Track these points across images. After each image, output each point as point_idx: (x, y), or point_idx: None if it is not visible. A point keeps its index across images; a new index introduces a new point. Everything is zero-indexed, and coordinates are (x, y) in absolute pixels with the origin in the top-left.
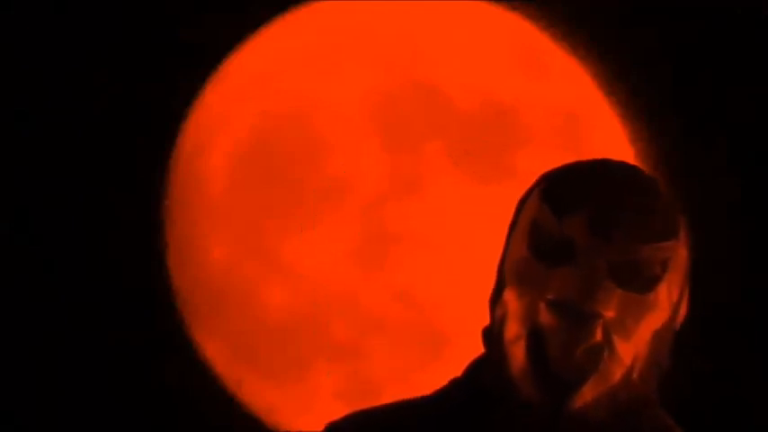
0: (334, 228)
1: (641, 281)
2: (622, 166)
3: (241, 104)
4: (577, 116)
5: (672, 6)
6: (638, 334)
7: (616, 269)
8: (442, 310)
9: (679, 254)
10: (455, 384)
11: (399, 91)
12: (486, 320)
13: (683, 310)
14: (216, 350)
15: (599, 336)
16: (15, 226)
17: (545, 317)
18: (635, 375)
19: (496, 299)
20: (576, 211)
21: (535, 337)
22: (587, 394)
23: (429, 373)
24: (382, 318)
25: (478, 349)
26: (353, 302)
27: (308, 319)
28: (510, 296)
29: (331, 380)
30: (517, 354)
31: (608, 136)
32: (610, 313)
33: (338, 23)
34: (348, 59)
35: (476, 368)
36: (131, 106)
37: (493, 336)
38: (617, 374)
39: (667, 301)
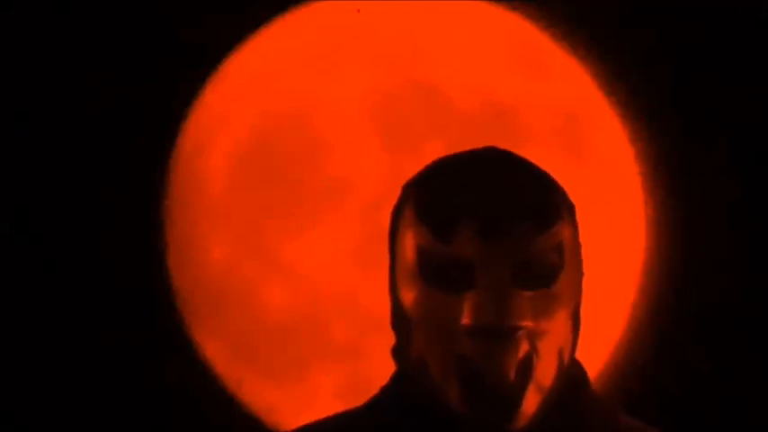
0: (334, 228)
1: (544, 275)
2: (490, 157)
3: (241, 104)
4: (577, 116)
5: (672, 6)
6: (557, 327)
7: (518, 273)
8: None
9: (566, 232)
10: (386, 394)
11: (399, 91)
12: None
13: (582, 277)
14: (216, 350)
15: (525, 347)
16: (15, 226)
17: (467, 347)
18: (565, 360)
19: (403, 332)
20: (460, 224)
21: (466, 371)
22: (530, 406)
23: None
24: (382, 318)
25: None
26: (353, 302)
27: (308, 319)
28: (421, 335)
29: (331, 380)
30: (451, 391)
31: (608, 136)
32: (528, 322)
33: (338, 23)
34: (348, 59)
35: (400, 381)
36: (131, 106)
37: (412, 364)
38: (551, 376)
39: (572, 284)
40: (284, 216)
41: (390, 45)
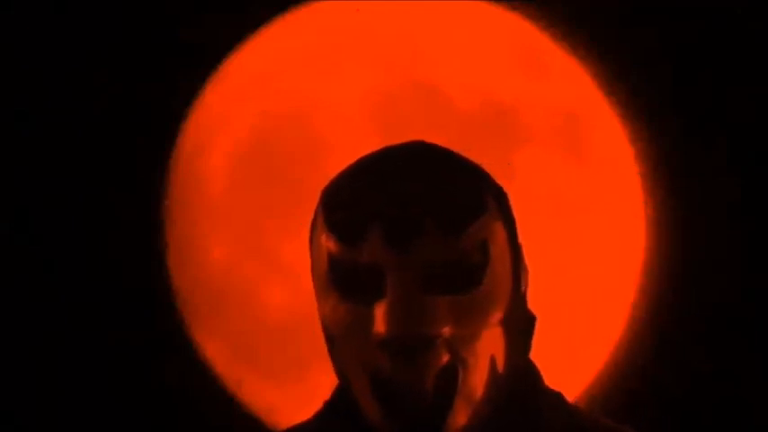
0: None
1: (464, 276)
2: (409, 154)
3: (241, 104)
4: (577, 116)
5: (672, 6)
6: (485, 332)
7: (434, 277)
8: None
9: (495, 227)
10: (328, 409)
11: (399, 91)
12: None
13: (524, 275)
14: (216, 350)
15: (445, 356)
16: (15, 226)
17: (381, 360)
18: (500, 371)
19: (329, 345)
20: (367, 230)
21: (382, 388)
22: (459, 419)
23: None
24: None
25: None
26: None
27: (308, 319)
28: (339, 349)
29: (331, 380)
30: (371, 409)
31: (608, 136)
32: (446, 330)
33: (338, 23)
34: (348, 59)
35: (337, 402)
36: (131, 106)
37: (339, 378)
38: (480, 386)
39: (502, 283)
40: (284, 216)
41: (390, 45)
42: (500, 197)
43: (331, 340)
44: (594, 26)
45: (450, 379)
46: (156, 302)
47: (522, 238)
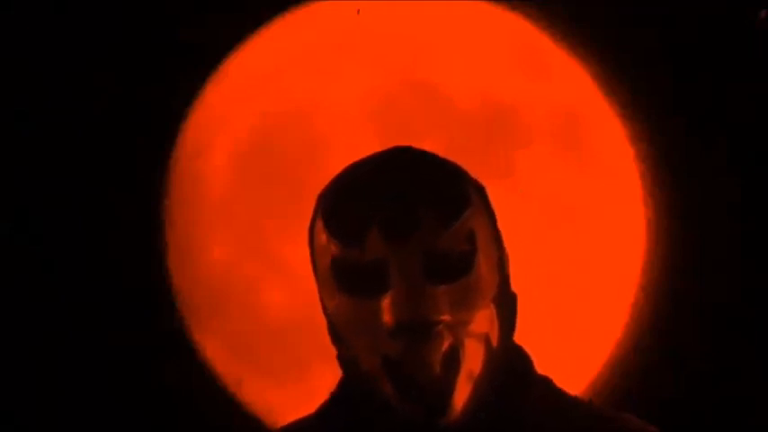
0: None
1: (457, 265)
2: (392, 158)
3: (241, 104)
4: (577, 116)
5: (672, 6)
6: (478, 314)
7: (431, 267)
8: None
9: (478, 217)
10: (334, 400)
11: (399, 91)
12: None
13: (505, 258)
14: (216, 350)
15: (448, 340)
16: (15, 226)
17: (391, 347)
18: (495, 346)
19: (335, 338)
20: (366, 230)
21: (393, 370)
22: (461, 397)
23: None
24: None
25: None
26: None
27: (308, 319)
28: (349, 340)
29: (331, 380)
30: (386, 390)
31: (608, 136)
32: (445, 316)
33: (338, 23)
34: (348, 59)
35: (347, 385)
36: (131, 106)
37: (349, 368)
38: (479, 364)
39: (489, 267)
40: (284, 216)
41: (390, 45)
42: (480, 191)
43: (336, 333)
44: (594, 26)
45: (454, 360)
46: (156, 302)
47: (522, 239)
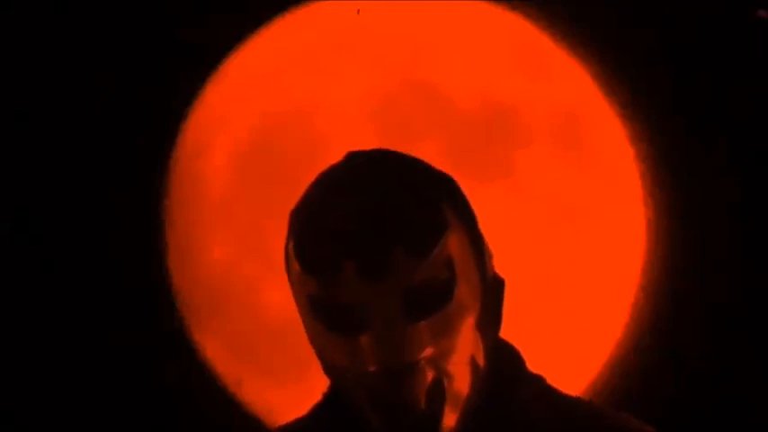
0: None
1: (438, 295)
2: (360, 170)
3: (241, 104)
4: (577, 116)
5: (672, 6)
6: (462, 339)
7: (411, 302)
8: None
9: (455, 240)
10: (328, 401)
11: (399, 91)
12: None
13: (488, 261)
14: (216, 350)
15: (431, 374)
16: (15, 226)
17: (374, 383)
18: (480, 363)
19: (318, 355)
20: (339, 272)
21: (377, 404)
22: (449, 422)
23: None
24: None
25: None
26: None
27: None
28: (335, 369)
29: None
30: (370, 417)
31: (608, 136)
32: (428, 350)
33: (338, 23)
34: (348, 59)
35: (334, 397)
36: (131, 106)
37: (337, 381)
38: (465, 387)
39: (470, 290)
40: (284, 216)
41: (390, 45)
42: (456, 206)
43: (321, 355)
44: (594, 26)
45: (438, 393)
46: (156, 302)
47: (522, 239)
